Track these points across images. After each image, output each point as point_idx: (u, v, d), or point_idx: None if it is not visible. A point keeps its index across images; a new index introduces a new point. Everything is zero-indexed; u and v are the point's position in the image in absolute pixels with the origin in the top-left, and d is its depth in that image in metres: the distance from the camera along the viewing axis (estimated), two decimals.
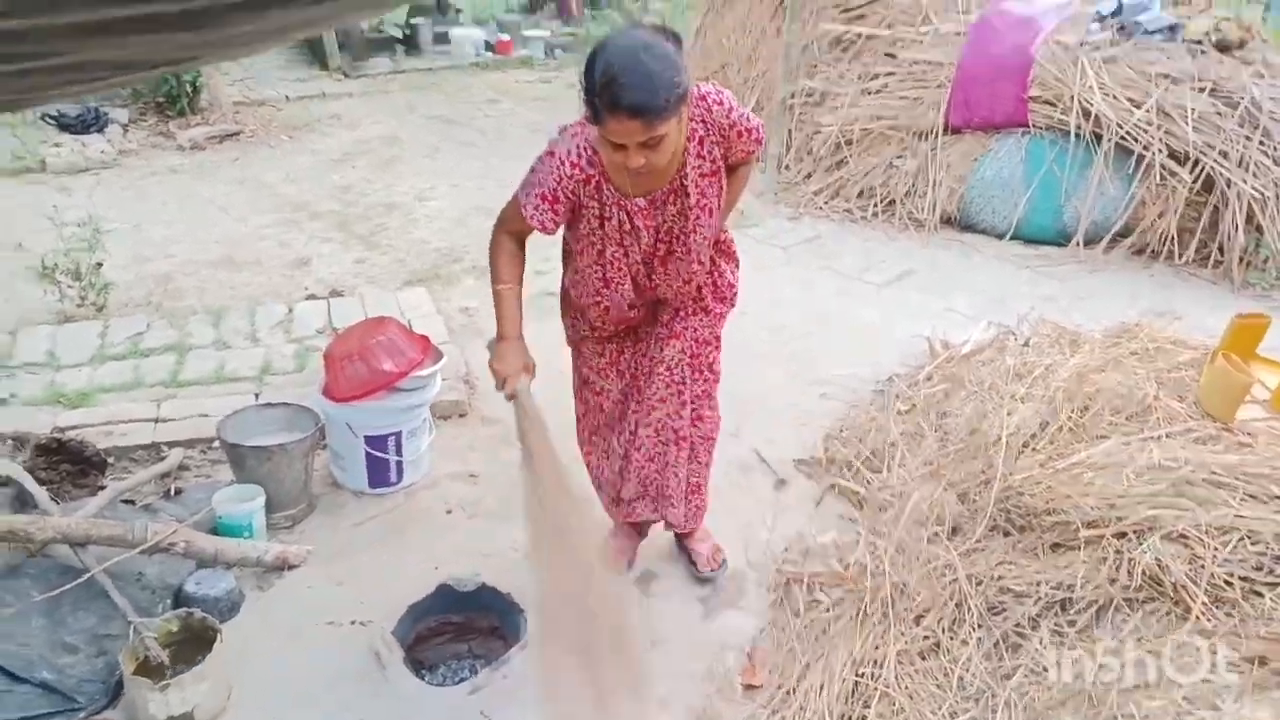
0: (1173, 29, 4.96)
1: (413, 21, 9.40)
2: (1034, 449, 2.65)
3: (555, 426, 2.23)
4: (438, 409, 3.36)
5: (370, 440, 2.97)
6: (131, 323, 4.05)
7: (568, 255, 2.37)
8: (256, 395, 3.49)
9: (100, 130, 6.49)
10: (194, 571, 2.58)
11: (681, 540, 2.78)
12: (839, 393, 3.66)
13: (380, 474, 3.06)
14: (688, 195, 2.15)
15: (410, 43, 9.44)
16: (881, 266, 4.86)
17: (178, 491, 2.97)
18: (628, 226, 2.18)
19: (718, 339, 2.46)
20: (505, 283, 2.22)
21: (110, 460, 3.08)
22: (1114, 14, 5.11)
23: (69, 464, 2.96)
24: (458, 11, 10.36)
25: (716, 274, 2.40)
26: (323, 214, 5.50)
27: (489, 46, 9.38)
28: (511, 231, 2.23)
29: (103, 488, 2.88)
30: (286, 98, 7.83)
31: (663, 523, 2.66)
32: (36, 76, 1.99)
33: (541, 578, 2.24)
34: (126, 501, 2.84)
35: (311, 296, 4.40)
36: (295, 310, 4.21)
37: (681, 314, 2.38)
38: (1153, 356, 2.97)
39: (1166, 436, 2.49)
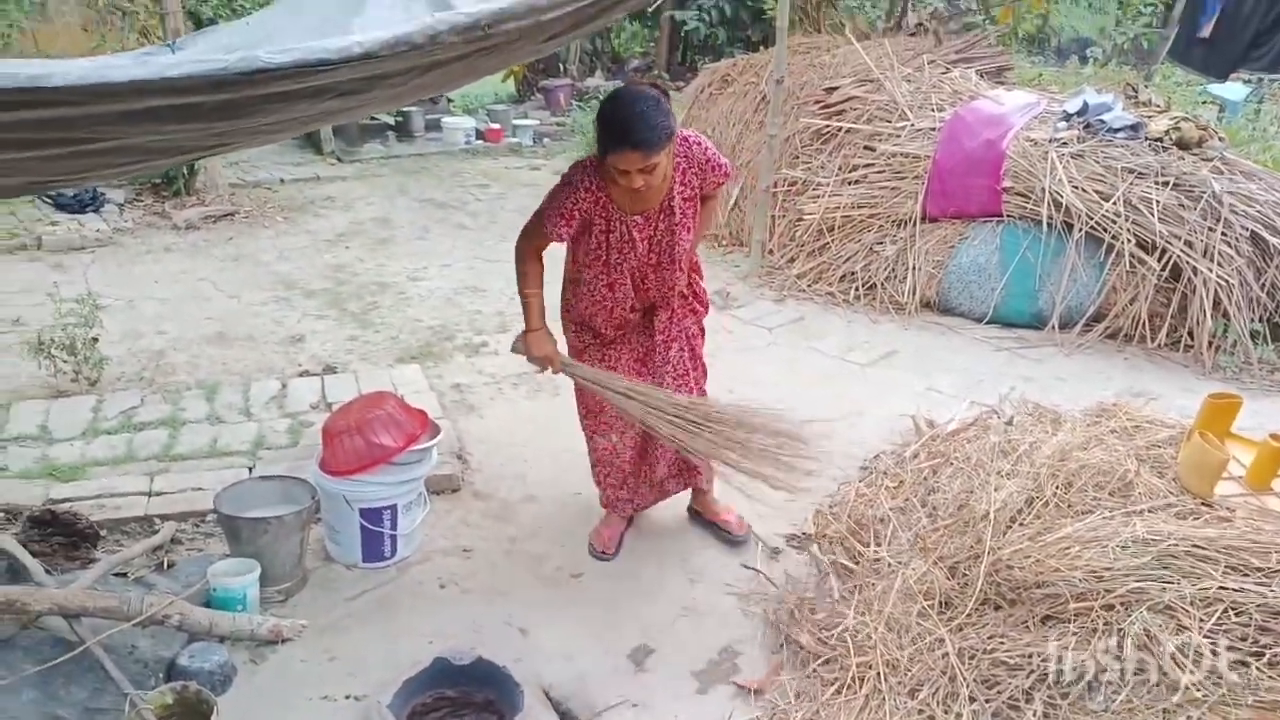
0: (1135, 128, 5.24)
1: (405, 110, 9.69)
2: (1021, 524, 2.71)
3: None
4: (431, 484, 3.38)
5: (365, 513, 2.99)
6: (125, 397, 4.07)
7: (572, 279, 2.94)
8: (250, 469, 3.51)
9: (97, 210, 6.60)
10: (187, 644, 2.56)
11: (705, 516, 3.33)
12: (826, 469, 3.71)
13: (374, 547, 3.06)
14: (674, 214, 2.74)
15: (402, 129, 9.72)
16: (865, 347, 4.99)
17: (170, 565, 2.96)
18: (627, 237, 2.74)
19: (703, 333, 3.12)
20: (531, 289, 2.84)
21: (103, 533, 3.07)
22: (1079, 113, 5.40)
23: (61, 537, 2.94)
24: (449, 101, 10.70)
25: (693, 283, 3.02)
26: (316, 292, 5.59)
27: (479, 134, 9.67)
28: (533, 245, 2.81)
29: (95, 560, 2.86)
30: (281, 180, 8.01)
31: (690, 491, 3.30)
32: (83, 160, 2.09)
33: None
34: (119, 574, 2.83)
35: (305, 373, 4.45)
36: (289, 386, 4.26)
37: (674, 317, 2.95)
38: (1132, 435, 3.07)
39: (1149, 511, 2.56)
